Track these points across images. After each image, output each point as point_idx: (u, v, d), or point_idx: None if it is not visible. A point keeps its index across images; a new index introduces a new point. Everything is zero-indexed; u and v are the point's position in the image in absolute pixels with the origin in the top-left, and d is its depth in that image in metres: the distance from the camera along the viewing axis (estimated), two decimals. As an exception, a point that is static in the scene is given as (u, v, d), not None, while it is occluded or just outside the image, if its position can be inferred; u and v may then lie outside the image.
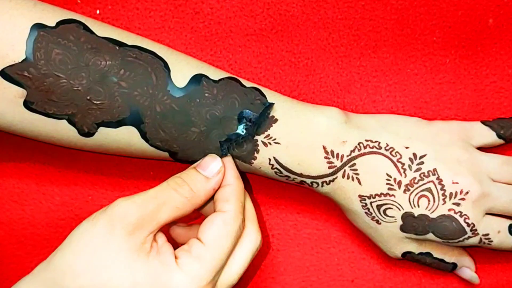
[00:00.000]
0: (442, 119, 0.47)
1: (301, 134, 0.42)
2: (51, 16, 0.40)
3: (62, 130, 0.41)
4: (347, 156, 0.42)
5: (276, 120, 0.42)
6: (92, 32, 0.40)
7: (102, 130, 0.41)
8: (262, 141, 0.42)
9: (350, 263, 0.47)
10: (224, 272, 0.39)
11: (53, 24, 0.39)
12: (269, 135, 0.42)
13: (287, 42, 0.47)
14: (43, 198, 0.48)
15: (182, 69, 0.41)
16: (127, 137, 0.41)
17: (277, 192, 0.48)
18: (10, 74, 0.38)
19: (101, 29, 0.41)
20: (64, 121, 0.40)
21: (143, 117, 0.40)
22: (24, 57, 0.38)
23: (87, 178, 0.48)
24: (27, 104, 0.39)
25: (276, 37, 0.47)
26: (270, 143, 0.42)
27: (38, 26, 0.39)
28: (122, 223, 0.36)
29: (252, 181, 0.47)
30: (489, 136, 0.45)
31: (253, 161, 0.42)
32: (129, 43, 0.41)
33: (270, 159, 0.42)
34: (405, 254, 0.44)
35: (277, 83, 0.47)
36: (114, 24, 0.46)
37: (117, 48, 0.40)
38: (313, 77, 0.47)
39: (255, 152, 0.42)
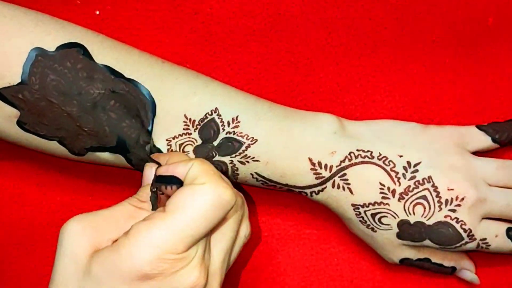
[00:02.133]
0: (442, 119, 0.47)
1: (284, 150, 0.42)
2: (52, 39, 0.40)
3: (54, 148, 0.42)
4: (337, 166, 0.42)
5: (256, 140, 0.42)
6: (91, 58, 0.40)
7: (91, 153, 0.42)
8: (238, 160, 0.42)
9: (349, 263, 0.47)
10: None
11: (53, 48, 0.40)
12: (246, 155, 0.42)
13: (286, 42, 0.47)
14: (44, 198, 0.48)
15: (169, 117, 0.42)
16: (117, 161, 0.42)
17: (277, 192, 0.48)
18: (5, 95, 0.39)
19: (102, 54, 0.41)
20: (56, 141, 0.41)
21: (129, 147, 0.41)
22: (19, 80, 0.39)
23: (87, 178, 0.48)
24: (20, 124, 0.40)
25: (276, 37, 0.47)
26: (248, 162, 0.42)
27: (36, 50, 0.39)
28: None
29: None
30: (485, 141, 0.45)
31: (237, 176, 0.43)
32: (126, 75, 0.41)
33: (252, 174, 0.43)
34: (403, 261, 0.44)
35: (277, 83, 0.47)
36: (114, 24, 0.46)
37: (113, 78, 0.40)
38: (312, 77, 0.47)
39: (235, 171, 0.43)
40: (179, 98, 0.42)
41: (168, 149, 0.42)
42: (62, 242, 0.35)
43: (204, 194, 0.35)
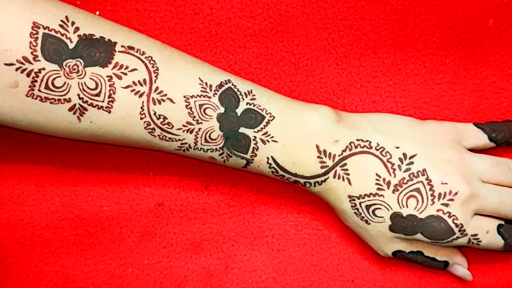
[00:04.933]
0: (442, 119, 0.47)
1: (296, 133, 0.42)
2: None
3: (56, 118, 0.41)
4: (339, 155, 0.42)
5: (274, 117, 0.42)
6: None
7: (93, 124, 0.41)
8: (260, 138, 0.42)
9: (350, 263, 0.48)
10: None
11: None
12: (267, 132, 0.42)
13: (286, 42, 0.47)
14: (43, 199, 0.47)
15: (183, 75, 0.42)
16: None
17: (277, 192, 0.48)
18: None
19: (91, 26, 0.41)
20: (58, 109, 0.40)
21: None
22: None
23: (87, 178, 0.48)
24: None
25: (276, 37, 0.47)
26: (268, 141, 0.42)
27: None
28: None
29: (252, 181, 0.48)
30: (481, 139, 0.45)
31: (253, 158, 0.43)
32: (125, 43, 0.41)
33: (268, 158, 0.43)
34: (396, 253, 0.44)
35: (277, 83, 0.47)
36: (114, 25, 0.46)
37: (112, 41, 0.40)
38: (312, 78, 0.47)
39: (255, 150, 0.42)
40: (189, 62, 0.42)
41: (186, 106, 0.41)
42: None
43: None
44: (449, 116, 0.47)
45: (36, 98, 0.39)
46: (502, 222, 0.44)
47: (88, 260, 0.48)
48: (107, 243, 0.48)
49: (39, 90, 0.39)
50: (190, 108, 0.41)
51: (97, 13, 0.46)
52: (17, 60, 0.38)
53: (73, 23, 0.40)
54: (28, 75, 0.39)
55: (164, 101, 0.41)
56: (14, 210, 0.47)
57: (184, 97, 0.41)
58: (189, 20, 0.46)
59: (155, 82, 0.41)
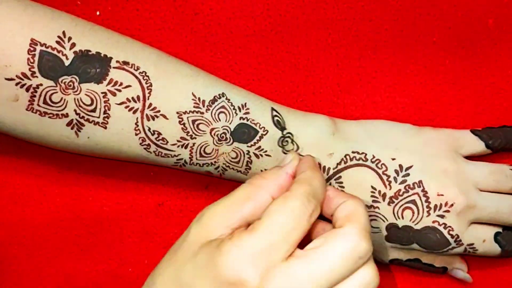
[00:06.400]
0: (442, 120, 0.47)
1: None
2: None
3: (54, 132, 0.41)
4: (333, 169, 0.42)
5: (267, 131, 0.42)
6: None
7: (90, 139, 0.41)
8: (253, 152, 0.42)
9: (350, 264, 0.48)
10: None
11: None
12: (260, 147, 0.42)
13: (287, 43, 0.47)
14: (44, 199, 0.48)
15: (176, 91, 0.42)
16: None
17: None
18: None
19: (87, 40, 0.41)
20: (56, 123, 0.41)
21: None
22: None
23: (87, 179, 0.48)
24: None
25: (276, 38, 0.47)
26: (261, 155, 0.42)
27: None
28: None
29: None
30: (478, 146, 0.45)
31: (247, 171, 0.43)
32: (120, 58, 0.41)
33: (262, 171, 0.43)
34: (393, 261, 0.44)
35: (277, 84, 0.47)
36: (115, 25, 0.46)
37: (108, 56, 0.40)
38: (313, 78, 0.47)
39: (249, 163, 0.43)
40: (183, 76, 0.42)
41: (179, 122, 0.42)
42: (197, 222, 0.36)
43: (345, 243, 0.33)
44: (449, 116, 0.47)
45: (35, 112, 0.40)
46: (500, 230, 0.44)
47: (88, 260, 0.48)
48: (108, 243, 0.48)
49: (38, 105, 0.40)
50: (184, 124, 0.42)
51: (98, 13, 0.46)
52: (16, 76, 0.39)
53: (69, 39, 0.40)
54: (27, 90, 0.39)
55: (157, 117, 0.41)
56: (14, 210, 0.48)
57: (177, 113, 0.41)
58: (189, 20, 0.46)
59: (148, 99, 0.41)
